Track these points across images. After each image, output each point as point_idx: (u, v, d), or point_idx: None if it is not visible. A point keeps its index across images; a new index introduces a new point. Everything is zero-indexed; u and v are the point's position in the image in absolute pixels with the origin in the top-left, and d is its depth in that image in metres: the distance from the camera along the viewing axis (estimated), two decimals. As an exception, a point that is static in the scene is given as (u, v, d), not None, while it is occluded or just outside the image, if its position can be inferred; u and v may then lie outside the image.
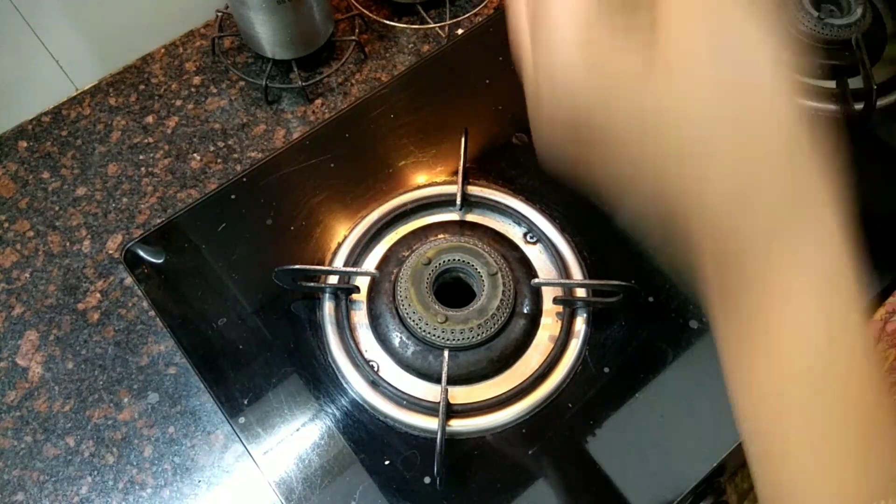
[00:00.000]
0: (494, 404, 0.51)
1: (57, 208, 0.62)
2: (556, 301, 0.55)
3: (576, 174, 0.28)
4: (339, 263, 0.57)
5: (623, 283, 0.52)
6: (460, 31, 0.72)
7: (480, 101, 0.66)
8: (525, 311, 0.54)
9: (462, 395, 0.52)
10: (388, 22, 0.72)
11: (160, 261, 0.58)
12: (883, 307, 0.54)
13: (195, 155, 0.65)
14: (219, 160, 0.65)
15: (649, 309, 0.56)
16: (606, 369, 0.53)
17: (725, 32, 0.24)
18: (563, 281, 0.56)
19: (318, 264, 0.57)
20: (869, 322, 0.54)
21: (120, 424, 0.53)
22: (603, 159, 0.27)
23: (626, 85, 0.24)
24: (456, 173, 0.60)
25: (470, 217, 0.60)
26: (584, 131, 0.26)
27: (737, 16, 0.24)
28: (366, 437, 0.51)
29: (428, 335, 0.51)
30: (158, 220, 0.61)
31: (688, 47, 0.24)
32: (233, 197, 0.60)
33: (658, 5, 0.24)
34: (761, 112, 0.24)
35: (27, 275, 0.59)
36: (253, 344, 0.54)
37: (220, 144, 0.65)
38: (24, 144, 0.66)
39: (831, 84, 0.65)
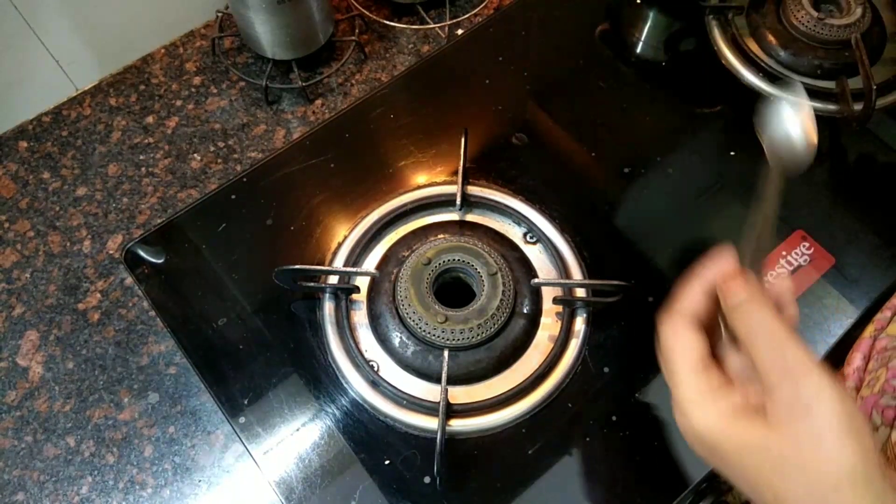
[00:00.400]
0: (494, 404, 0.51)
1: (57, 208, 0.62)
2: (555, 301, 0.55)
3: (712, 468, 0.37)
4: (339, 263, 0.57)
5: (622, 283, 0.52)
6: (460, 32, 0.72)
7: (480, 101, 0.66)
8: (525, 311, 0.54)
9: (462, 394, 0.52)
10: (388, 22, 0.72)
11: (160, 261, 0.58)
12: (872, 324, 0.53)
13: (195, 155, 0.65)
14: (219, 160, 0.65)
15: (649, 309, 0.56)
16: (606, 369, 0.53)
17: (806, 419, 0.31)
18: (562, 281, 0.56)
19: (318, 264, 0.57)
20: (859, 340, 0.53)
21: (120, 424, 0.53)
22: (725, 475, 0.35)
23: (737, 442, 0.33)
24: (456, 173, 0.60)
25: (470, 217, 0.60)
26: (709, 458, 0.35)
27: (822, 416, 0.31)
28: (366, 436, 0.51)
29: (428, 335, 0.51)
30: (159, 220, 0.61)
31: (786, 427, 0.32)
32: (233, 197, 0.60)
33: (765, 385, 0.33)
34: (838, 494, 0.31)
35: (27, 275, 0.59)
36: (253, 344, 0.54)
37: (221, 144, 0.65)
38: (25, 144, 0.66)
39: (831, 84, 0.66)
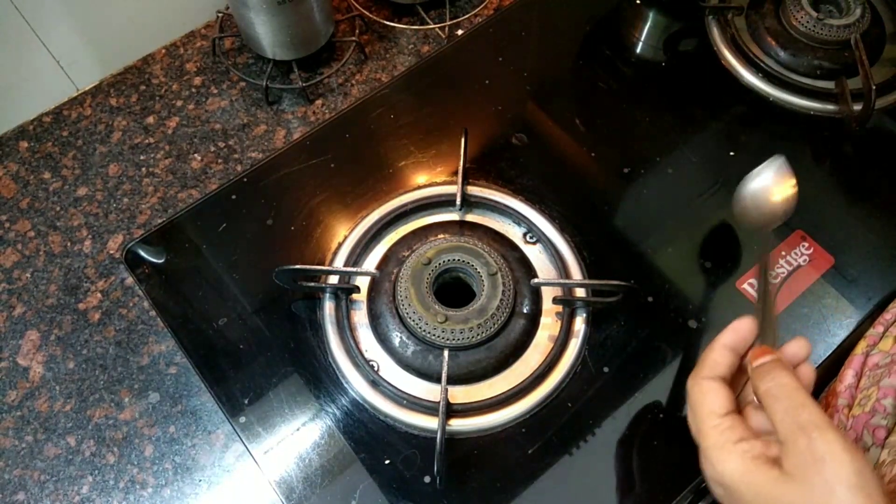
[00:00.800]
0: (494, 404, 0.51)
1: (58, 208, 0.63)
2: (555, 301, 0.55)
3: None
4: (339, 263, 0.57)
5: (622, 283, 0.52)
6: (460, 32, 0.72)
7: (480, 101, 0.66)
8: (525, 311, 0.54)
9: (462, 394, 0.52)
10: (388, 23, 0.72)
11: (161, 261, 0.58)
12: (864, 340, 0.53)
13: (196, 155, 0.65)
14: (219, 160, 0.65)
15: (648, 309, 0.56)
16: (606, 369, 0.53)
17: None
18: (562, 281, 0.56)
19: (318, 264, 0.57)
20: (850, 356, 0.53)
21: (121, 424, 0.53)
22: None
23: (753, 489, 0.36)
24: (456, 173, 0.60)
25: (470, 217, 0.60)
26: (727, 502, 0.39)
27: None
28: (366, 436, 0.51)
29: (428, 335, 0.51)
30: (159, 221, 0.61)
31: (799, 479, 0.34)
32: (233, 197, 0.60)
33: (781, 439, 0.36)
34: None
35: (28, 275, 0.60)
36: (253, 344, 0.54)
37: (221, 145, 0.66)
38: (25, 145, 0.66)
39: (830, 84, 0.66)
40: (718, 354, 0.42)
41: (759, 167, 0.52)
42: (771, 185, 0.52)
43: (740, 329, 0.43)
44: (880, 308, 0.56)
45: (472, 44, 0.70)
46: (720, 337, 0.43)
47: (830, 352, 0.55)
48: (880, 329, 0.53)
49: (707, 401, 0.40)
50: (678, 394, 0.52)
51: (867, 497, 0.33)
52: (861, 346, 0.52)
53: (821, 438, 0.34)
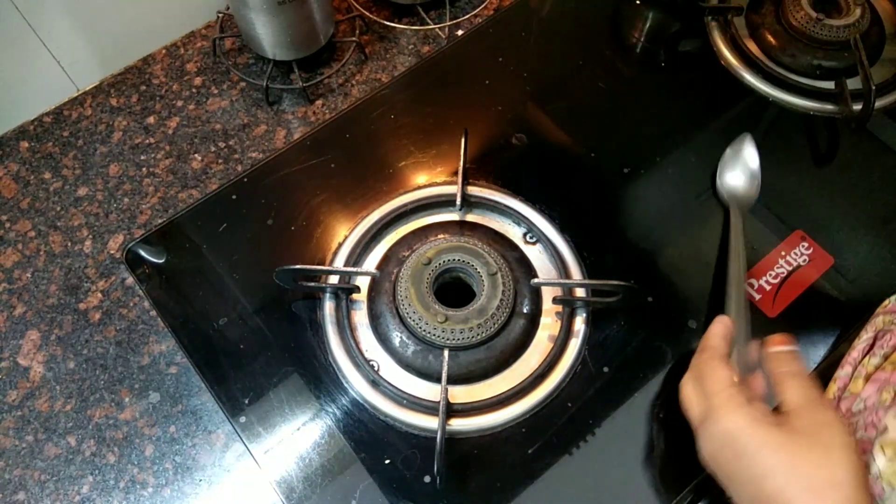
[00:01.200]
0: (494, 404, 0.51)
1: (58, 208, 0.63)
2: (555, 301, 0.55)
3: (718, 480, 0.44)
4: (339, 263, 0.57)
5: (622, 283, 0.52)
6: (460, 32, 0.72)
7: (480, 102, 0.66)
8: (525, 311, 0.54)
9: (462, 394, 0.52)
10: (388, 23, 0.72)
11: (161, 261, 0.58)
12: (834, 382, 0.51)
13: (196, 155, 0.65)
14: (220, 160, 0.65)
15: (648, 309, 0.56)
16: (606, 369, 0.53)
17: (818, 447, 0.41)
18: (562, 281, 0.56)
19: (318, 264, 0.57)
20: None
21: (121, 424, 0.54)
22: (729, 489, 0.43)
23: (759, 441, 0.41)
24: (456, 174, 0.60)
25: (470, 217, 0.60)
26: (720, 456, 0.44)
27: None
28: (366, 436, 0.51)
29: (428, 335, 0.51)
30: (160, 221, 0.61)
31: (804, 437, 0.41)
32: (234, 197, 0.60)
33: (790, 408, 0.43)
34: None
35: (28, 275, 0.60)
36: (254, 343, 0.54)
37: (221, 145, 0.66)
38: (26, 145, 0.66)
39: (830, 84, 0.66)
40: (717, 342, 0.49)
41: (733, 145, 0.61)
42: (739, 163, 0.60)
43: (726, 321, 0.50)
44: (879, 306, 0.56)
45: (472, 44, 0.70)
46: (714, 329, 0.50)
47: (829, 352, 0.55)
48: (849, 370, 0.51)
49: (717, 373, 0.46)
50: (678, 393, 0.52)
51: (857, 458, 0.40)
52: (832, 390, 0.51)
53: (825, 411, 0.42)
